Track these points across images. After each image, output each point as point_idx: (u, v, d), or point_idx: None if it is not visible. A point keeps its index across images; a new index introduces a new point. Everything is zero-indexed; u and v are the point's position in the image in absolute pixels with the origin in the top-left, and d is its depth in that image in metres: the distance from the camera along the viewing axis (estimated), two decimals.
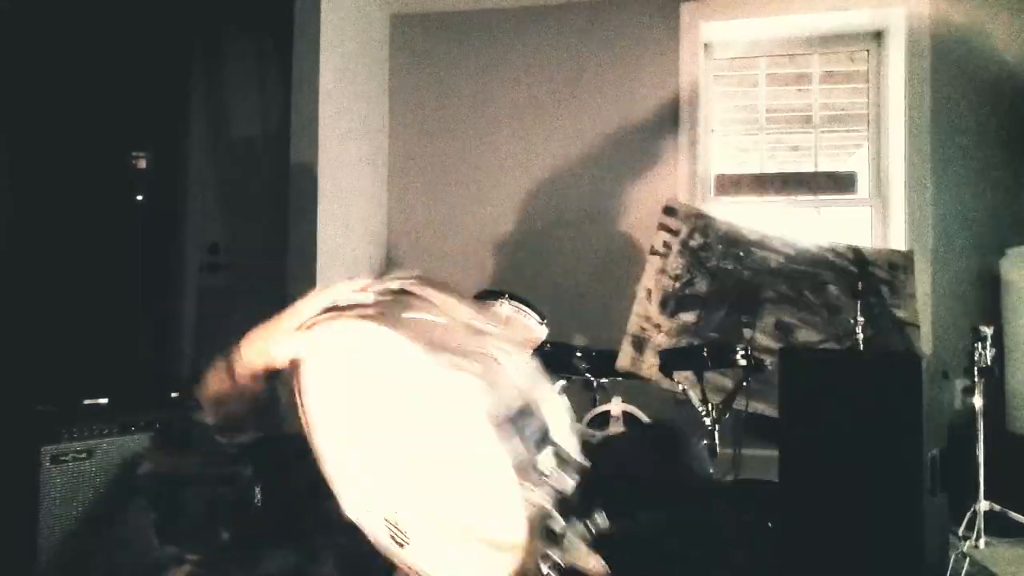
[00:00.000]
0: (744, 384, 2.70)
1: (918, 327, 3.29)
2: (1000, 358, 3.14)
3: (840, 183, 3.95)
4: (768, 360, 2.88)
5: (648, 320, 3.35)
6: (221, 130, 3.98)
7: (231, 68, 3.98)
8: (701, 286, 3.41)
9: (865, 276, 3.26)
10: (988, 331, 2.54)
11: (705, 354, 2.65)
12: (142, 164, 3.82)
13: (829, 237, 3.56)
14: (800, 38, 3.99)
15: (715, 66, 4.10)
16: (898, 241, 3.71)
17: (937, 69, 3.69)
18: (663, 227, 3.58)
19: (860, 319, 2.50)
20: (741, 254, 3.43)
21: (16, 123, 3.71)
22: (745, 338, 3.29)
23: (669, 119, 3.95)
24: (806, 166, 4.02)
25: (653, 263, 3.51)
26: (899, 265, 3.33)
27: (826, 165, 4.01)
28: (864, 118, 3.96)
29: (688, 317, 3.34)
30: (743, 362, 2.64)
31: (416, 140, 4.30)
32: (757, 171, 4.06)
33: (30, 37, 3.73)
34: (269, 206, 3.81)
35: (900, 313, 3.15)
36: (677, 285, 3.43)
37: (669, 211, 3.58)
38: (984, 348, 2.52)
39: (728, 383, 3.03)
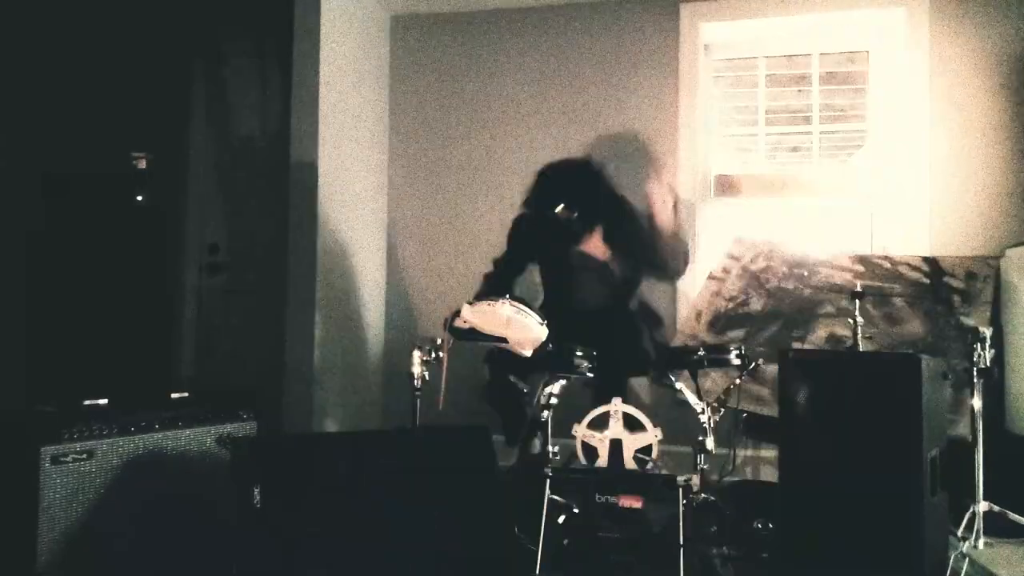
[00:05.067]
0: (738, 383, 2.72)
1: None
2: (1000, 359, 3.14)
3: (840, 183, 3.95)
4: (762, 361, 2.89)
5: (694, 338, 3.34)
6: (221, 130, 3.98)
7: (231, 68, 3.99)
8: (756, 305, 3.41)
9: (938, 287, 3.25)
10: (987, 332, 2.54)
11: (700, 354, 2.67)
12: (142, 164, 3.83)
13: (905, 250, 3.57)
14: (800, 38, 3.99)
15: (715, 66, 4.10)
16: (897, 241, 3.71)
17: (937, 69, 3.69)
18: (728, 255, 3.61)
19: (859, 320, 2.50)
20: (805, 274, 3.43)
21: (13, 125, 3.72)
22: None
23: (669, 119, 3.95)
24: (806, 166, 4.02)
25: (709, 287, 3.53)
26: (977, 274, 3.31)
27: (826, 165, 4.01)
28: (864, 118, 3.96)
29: (737, 334, 3.33)
30: (736, 362, 2.66)
31: (416, 140, 4.30)
32: (757, 171, 4.06)
33: (31, 39, 3.74)
34: (269, 206, 3.82)
35: (969, 321, 3.13)
36: (730, 306, 3.43)
37: (736, 241, 3.64)
38: (983, 349, 2.52)
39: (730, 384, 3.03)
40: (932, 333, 3.15)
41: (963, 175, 3.65)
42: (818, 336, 3.26)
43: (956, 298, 3.25)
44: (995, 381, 3.15)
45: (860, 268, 3.43)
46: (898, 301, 3.29)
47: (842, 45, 3.97)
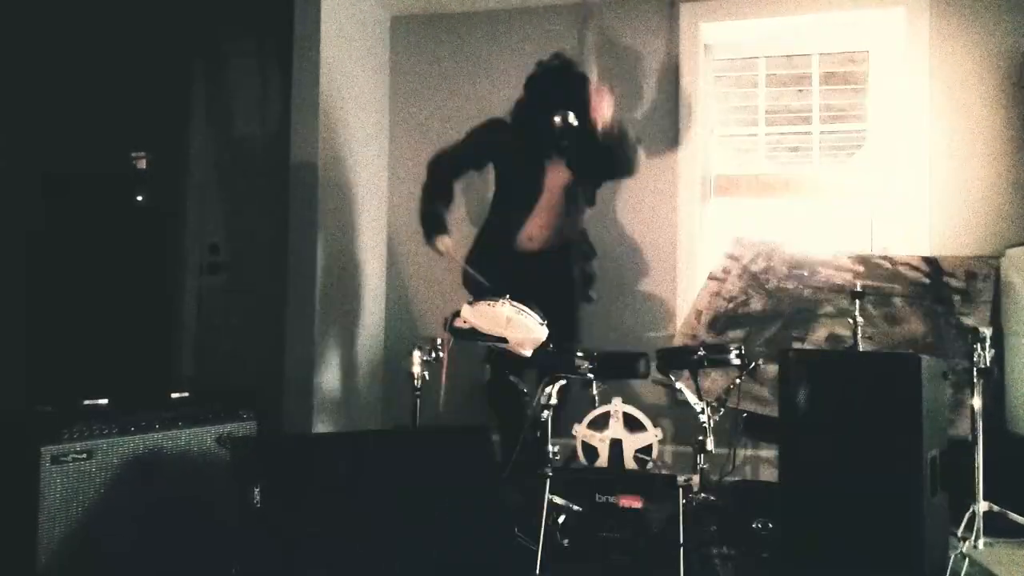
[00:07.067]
0: (738, 383, 2.73)
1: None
2: (1000, 359, 3.14)
3: (840, 183, 3.95)
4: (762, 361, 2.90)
5: (694, 338, 3.35)
6: (221, 130, 3.98)
7: (232, 68, 3.99)
8: (756, 305, 3.42)
9: (938, 287, 3.26)
10: (987, 332, 2.54)
11: (700, 354, 2.67)
12: (142, 164, 3.83)
13: (905, 250, 3.58)
14: (800, 38, 3.98)
15: (715, 66, 4.10)
16: (897, 241, 3.71)
17: (937, 69, 3.69)
18: (728, 255, 3.63)
19: (859, 320, 2.50)
20: (806, 274, 3.44)
21: (13, 125, 3.72)
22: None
23: (669, 119, 3.95)
24: (806, 166, 4.02)
25: (708, 287, 3.55)
26: (978, 274, 3.31)
27: (826, 165, 4.01)
28: (864, 118, 3.96)
29: (736, 334, 3.34)
30: (736, 362, 2.67)
31: (416, 140, 4.30)
32: (757, 171, 4.06)
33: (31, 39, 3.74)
34: (269, 206, 3.82)
35: (969, 321, 3.14)
36: (731, 306, 3.44)
37: (736, 241, 3.65)
38: (983, 349, 2.52)
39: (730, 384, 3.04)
40: (932, 333, 3.15)
41: (963, 175, 3.65)
42: (818, 336, 3.26)
43: (956, 298, 3.25)
44: (995, 381, 3.15)
45: (860, 268, 3.44)
46: (898, 301, 3.29)
47: (842, 45, 3.97)
